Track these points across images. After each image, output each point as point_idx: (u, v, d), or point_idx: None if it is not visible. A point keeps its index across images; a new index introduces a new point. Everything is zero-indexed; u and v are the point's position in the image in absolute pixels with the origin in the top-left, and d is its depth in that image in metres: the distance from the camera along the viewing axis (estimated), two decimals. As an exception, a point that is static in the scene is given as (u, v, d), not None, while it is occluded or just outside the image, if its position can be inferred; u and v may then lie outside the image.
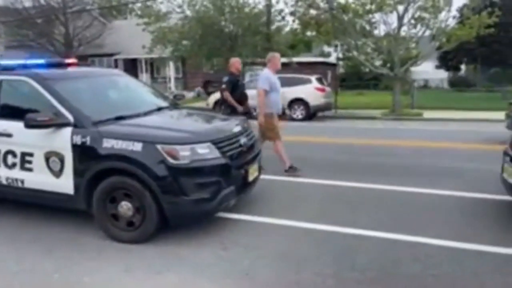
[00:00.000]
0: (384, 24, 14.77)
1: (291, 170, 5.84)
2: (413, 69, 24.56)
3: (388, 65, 16.07)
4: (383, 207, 4.56)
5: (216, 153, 3.66)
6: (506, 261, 3.24)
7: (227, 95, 6.37)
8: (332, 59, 20.88)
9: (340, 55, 17.48)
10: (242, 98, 6.52)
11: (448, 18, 14.42)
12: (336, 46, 19.08)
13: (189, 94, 23.98)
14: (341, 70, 32.62)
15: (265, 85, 5.68)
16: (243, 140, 4.09)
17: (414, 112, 15.07)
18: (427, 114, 14.43)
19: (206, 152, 3.61)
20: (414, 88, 17.50)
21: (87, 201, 3.67)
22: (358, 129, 11.53)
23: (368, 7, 13.89)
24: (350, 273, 3.11)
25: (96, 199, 3.61)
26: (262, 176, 4.80)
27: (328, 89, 14.72)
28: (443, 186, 5.15)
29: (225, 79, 6.47)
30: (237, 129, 4.12)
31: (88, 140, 3.59)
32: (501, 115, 9.01)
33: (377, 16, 14.73)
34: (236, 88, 6.46)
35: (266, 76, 5.79)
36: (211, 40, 16.50)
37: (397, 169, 6.29)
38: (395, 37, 14.31)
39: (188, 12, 17.24)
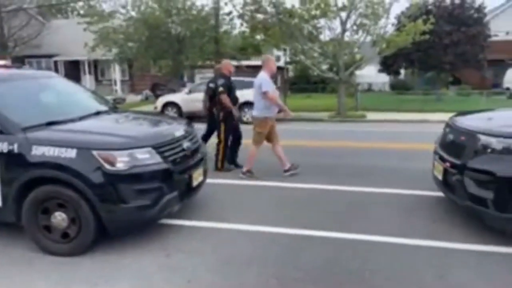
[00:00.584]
0: (328, 29, 15.29)
1: (248, 174, 5.92)
2: (357, 72, 25.60)
3: (334, 69, 16.63)
4: (328, 207, 4.68)
5: (157, 158, 3.56)
6: (439, 254, 3.44)
7: (225, 98, 6.20)
8: (281, 63, 21.25)
9: (288, 59, 17.83)
10: (234, 101, 6.45)
11: (387, 25, 15.23)
12: (285, 50, 19.42)
13: (137, 97, 23.26)
14: (290, 73, 33.31)
15: (270, 87, 5.71)
16: (186, 144, 4.01)
17: (359, 114, 15.72)
18: (371, 115, 15.12)
19: (146, 157, 3.50)
20: (358, 91, 18.27)
21: (16, 213, 3.42)
22: (306, 131, 11.81)
23: (313, 12, 14.28)
24: (293, 273, 3.15)
25: (26, 210, 3.37)
26: (208, 180, 4.75)
27: (277, 92, 14.92)
28: (384, 184, 5.40)
29: (221, 82, 6.29)
30: (179, 133, 4.03)
31: (15, 147, 3.34)
32: (436, 116, 9.62)
33: (322, 21, 15.20)
34: (230, 90, 6.36)
35: (267, 78, 5.79)
36: (158, 42, 16.12)
37: (342, 169, 6.50)
38: (339, 42, 14.85)
39: (133, 13, 16.73)
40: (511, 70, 22.85)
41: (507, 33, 26.52)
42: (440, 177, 4.18)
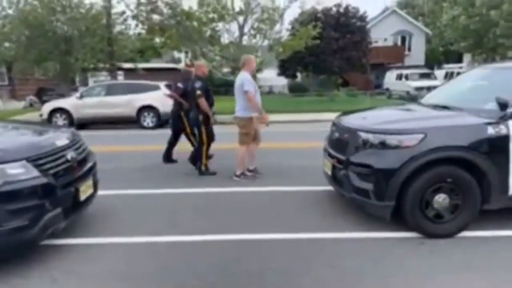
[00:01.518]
0: (227, 33, 15.52)
1: (243, 177, 5.94)
2: (259, 76, 26.48)
3: (237, 72, 16.93)
4: (229, 209, 4.70)
5: (34, 172, 3.16)
6: (330, 244, 3.68)
7: (203, 101, 5.99)
8: (182, 65, 20.93)
9: (189, 62, 17.64)
10: (211, 104, 6.28)
11: (282, 30, 16.08)
12: (186, 52, 19.14)
13: (20, 104, 20.71)
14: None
15: (252, 87, 5.61)
16: (70, 154, 3.64)
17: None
18: (273, 117, 15.65)
19: (20, 172, 3.09)
20: (260, 94, 18.84)
21: None
22: (209, 134, 11.76)
23: (211, 15, 14.36)
24: (191, 281, 3.07)
25: None
26: (102, 192, 4.40)
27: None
28: (286, 183, 5.63)
29: (198, 84, 6.02)
30: (62, 142, 3.65)
31: None
32: (331, 115, 10.32)
33: (220, 25, 15.36)
34: (208, 93, 6.17)
35: (249, 78, 5.69)
36: (41, 42, 14.55)
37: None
38: (238, 46, 15.17)
39: (10, 11, 14.85)
40: (389, 72, 25.87)
41: (385, 39, 30.08)
42: (329, 172, 4.49)
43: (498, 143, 3.63)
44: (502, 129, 3.64)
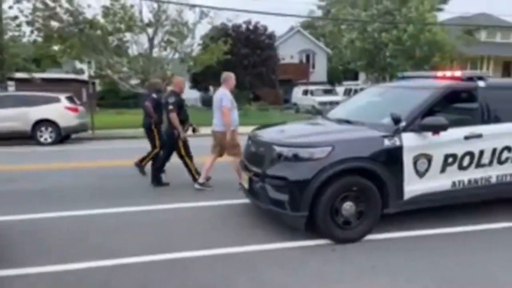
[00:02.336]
0: (136, 44, 14.95)
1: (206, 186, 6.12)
2: (170, 88, 25.96)
3: (146, 84, 16.30)
4: (143, 230, 4.45)
5: None
6: (250, 257, 3.71)
7: (174, 116, 6.06)
8: (85, 76, 19.49)
9: (93, 73, 16.52)
10: (185, 119, 6.37)
11: (193, 44, 16.05)
12: (89, 62, 17.97)
13: None
14: (98, 88, 31.00)
15: (229, 103, 5.79)
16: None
17: (173, 129, 15.85)
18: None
19: None
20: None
21: None
22: (118, 150, 11.10)
23: (117, 25, 13.72)
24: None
25: None
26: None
27: (81, 108, 13.61)
28: (202, 198, 5.57)
29: (172, 99, 6.10)
30: None
31: None
32: (245, 129, 10.49)
33: (128, 35, 14.76)
34: (181, 109, 6.27)
35: (227, 94, 5.89)
36: None
37: (159, 186, 6.36)
38: (148, 58, 14.71)
39: None
40: (297, 88, 27.43)
41: (292, 57, 31.89)
42: (246, 185, 4.55)
43: (394, 154, 4.06)
44: (396, 141, 4.07)
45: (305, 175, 3.83)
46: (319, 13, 41.46)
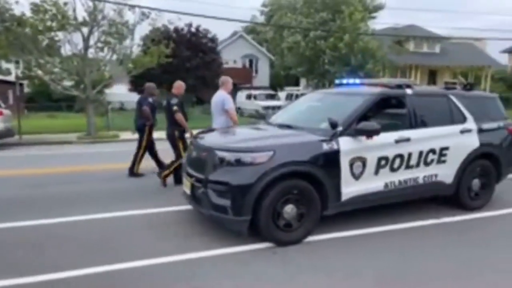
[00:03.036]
0: (69, 43, 14.08)
1: None
2: (108, 91, 24.79)
3: (82, 86, 15.43)
4: (75, 242, 4.19)
5: None
6: (191, 265, 3.63)
7: (180, 117, 6.40)
8: (12, 77, 17.96)
9: (20, 74, 15.28)
10: (186, 119, 6.61)
11: (133, 45, 15.47)
12: (17, 62, 16.65)
13: None
14: (26, 89, 28.80)
15: (233, 105, 6.30)
16: None
17: (111, 134, 15.17)
18: (125, 135, 14.86)
19: None
20: (109, 110, 17.66)
21: None
22: (49, 156, 10.36)
23: (49, 23, 12.84)
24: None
25: None
26: None
27: (7, 112, 12.55)
28: (139, 206, 5.34)
29: (174, 101, 6.47)
30: None
31: None
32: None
33: (60, 34, 13.87)
34: (183, 110, 6.57)
35: (228, 96, 6.30)
36: None
37: (92, 195, 6.02)
38: (83, 58, 13.94)
39: None
40: (240, 92, 27.56)
41: (235, 61, 32.06)
42: (188, 191, 4.47)
43: (331, 157, 4.23)
44: (334, 145, 4.25)
45: (248, 180, 3.85)
46: (261, 18, 42.17)
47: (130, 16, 15.85)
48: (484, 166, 5.35)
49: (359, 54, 20.92)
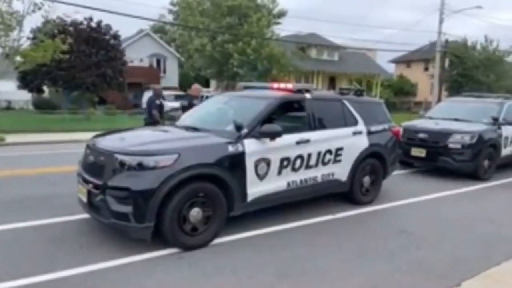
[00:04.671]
0: None
1: None
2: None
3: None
4: None
5: None
6: (87, 280, 3.36)
7: None
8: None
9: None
10: None
11: (21, 38, 13.79)
12: None
13: None
14: None
15: None
16: None
17: (-6, 136, 13.35)
18: (11, 138, 13.19)
19: None
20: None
21: None
22: None
23: None
24: None
25: None
26: None
27: None
28: (34, 216, 4.77)
29: (197, 101, 7.69)
30: None
31: None
32: (87, 135, 9.54)
33: None
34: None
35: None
36: None
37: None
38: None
39: None
40: (147, 92, 26.49)
41: (141, 60, 30.74)
42: (84, 199, 4.14)
43: (237, 159, 4.29)
44: (239, 147, 4.32)
45: (151, 184, 3.71)
46: (170, 18, 41.13)
47: (19, 6, 14.07)
48: (373, 164, 5.94)
49: (265, 60, 21.65)
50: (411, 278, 3.63)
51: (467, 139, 7.70)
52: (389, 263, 3.94)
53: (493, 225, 5.23)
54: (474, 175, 7.80)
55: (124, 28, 23.05)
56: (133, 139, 4.44)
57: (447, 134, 7.88)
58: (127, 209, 3.71)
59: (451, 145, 7.75)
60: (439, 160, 7.88)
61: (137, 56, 29.55)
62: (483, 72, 26.72)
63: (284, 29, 27.71)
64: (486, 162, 7.93)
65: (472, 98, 9.99)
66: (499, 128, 8.22)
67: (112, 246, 4.04)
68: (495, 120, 8.22)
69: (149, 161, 3.81)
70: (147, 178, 3.75)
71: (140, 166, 3.80)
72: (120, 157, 3.85)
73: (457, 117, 8.63)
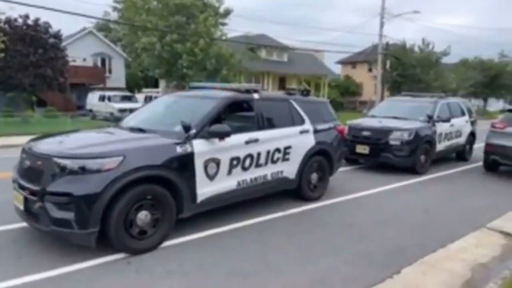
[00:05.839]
0: None
1: None
2: None
3: None
4: None
5: None
6: (25, 291, 3.17)
7: None
8: None
9: None
10: None
11: None
12: None
13: None
14: None
15: None
16: None
17: None
18: None
19: None
20: None
21: None
22: None
23: None
24: None
25: None
26: None
27: None
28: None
29: None
30: None
31: None
32: (25, 139, 8.95)
33: None
34: None
35: None
36: None
37: None
38: None
39: None
40: (92, 93, 25.31)
41: (84, 59, 29.29)
42: (21, 206, 3.88)
43: (186, 160, 4.25)
44: (188, 148, 4.28)
45: (94, 189, 3.56)
46: (114, 15, 39.60)
47: None
48: (320, 161, 6.15)
49: (213, 60, 21.50)
50: (355, 269, 3.81)
51: (405, 135, 8.21)
52: (336, 255, 4.10)
53: (428, 215, 5.63)
54: (412, 170, 8.32)
55: (68, 26, 21.85)
56: (73, 142, 4.23)
57: (387, 131, 8.35)
58: (69, 215, 3.53)
59: (391, 142, 8.23)
60: (381, 156, 8.33)
61: (80, 55, 28.11)
62: (421, 71, 28.54)
63: (233, 29, 27.72)
64: (422, 157, 8.50)
65: (409, 97, 10.68)
66: (434, 125, 8.84)
67: (54, 254, 3.83)
68: (430, 117, 8.84)
69: (92, 164, 3.66)
70: (91, 182, 3.60)
71: (83, 170, 3.63)
72: (59, 161, 3.66)
73: (396, 115, 9.18)
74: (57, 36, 20.23)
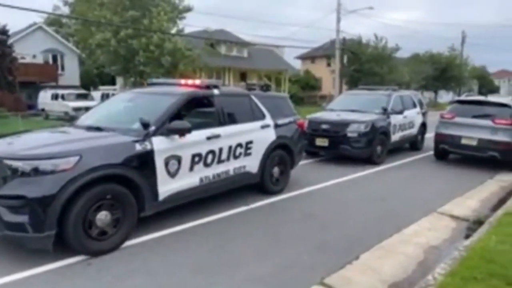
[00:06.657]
0: None
1: None
2: None
3: None
4: None
5: None
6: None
7: None
8: None
9: None
10: None
11: None
12: None
13: None
14: None
15: None
16: None
17: None
18: None
19: None
20: None
21: None
22: None
23: None
24: None
25: None
26: None
27: None
28: None
29: None
30: None
31: None
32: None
33: None
34: None
35: None
36: None
37: None
38: None
39: None
40: (43, 92, 24.06)
41: (34, 56, 27.77)
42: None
43: (145, 158, 4.18)
44: (147, 145, 4.21)
45: (49, 190, 3.44)
46: (65, 10, 37.77)
47: None
48: (281, 155, 6.26)
49: (168, 55, 21.05)
50: (317, 257, 3.94)
51: (362, 128, 8.52)
52: (299, 245, 4.21)
53: (384, 203, 5.90)
54: (369, 160, 8.66)
55: (19, 22, 20.58)
56: (25, 143, 4.05)
57: (345, 124, 8.62)
58: (22, 218, 3.39)
59: (349, 134, 8.51)
60: (340, 148, 8.60)
61: (29, 52, 26.65)
62: (376, 65, 29.60)
63: (192, 24, 27.35)
64: (379, 148, 8.86)
65: (365, 90, 11.07)
66: (388, 117, 9.24)
67: (8, 260, 3.67)
68: (385, 110, 9.23)
69: (46, 165, 3.52)
70: (45, 183, 3.47)
71: (36, 171, 3.49)
72: (10, 162, 3.49)
73: (353, 108, 9.49)
74: (4, 32, 19.12)
